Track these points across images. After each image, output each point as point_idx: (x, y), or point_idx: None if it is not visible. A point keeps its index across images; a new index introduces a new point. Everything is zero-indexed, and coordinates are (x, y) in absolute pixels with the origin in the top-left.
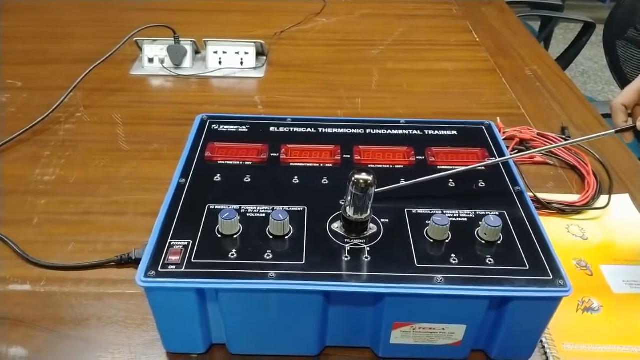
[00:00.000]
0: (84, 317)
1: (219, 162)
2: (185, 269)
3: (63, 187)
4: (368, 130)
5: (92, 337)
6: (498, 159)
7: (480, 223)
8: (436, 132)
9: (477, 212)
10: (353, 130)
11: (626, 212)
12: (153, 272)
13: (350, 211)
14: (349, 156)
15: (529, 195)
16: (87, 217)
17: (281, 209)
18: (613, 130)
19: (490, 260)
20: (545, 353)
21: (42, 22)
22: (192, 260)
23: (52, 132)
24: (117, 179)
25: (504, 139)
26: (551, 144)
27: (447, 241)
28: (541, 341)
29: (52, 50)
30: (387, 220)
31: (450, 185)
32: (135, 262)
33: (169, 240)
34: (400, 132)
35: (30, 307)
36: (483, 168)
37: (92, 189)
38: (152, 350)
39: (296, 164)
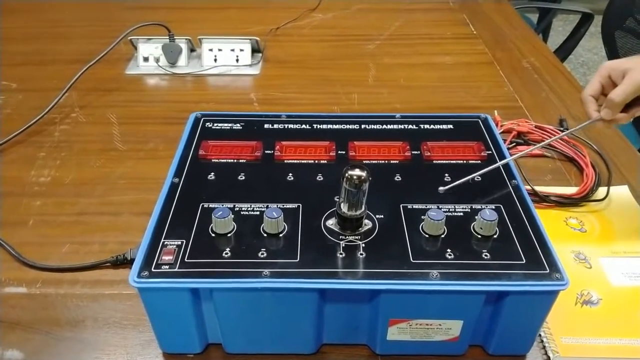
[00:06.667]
0: (80, 318)
1: (212, 160)
2: (178, 268)
3: (58, 188)
4: (363, 126)
5: (89, 339)
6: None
7: (476, 217)
8: (432, 126)
9: (473, 207)
10: (348, 126)
11: (625, 204)
12: (146, 273)
13: (344, 207)
14: (343, 152)
15: (526, 188)
16: (82, 218)
17: (275, 206)
18: (587, 122)
19: (486, 255)
20: (544, 347)
21: (36, 23)
22: (186, 260)
23: (48, 133)
24: (112, 179)
25: (501, 132)
26: (549, 137)
27: (442, 236)
28: (540, 335)
29: (47, 51)
30: (382, 216)
31: (446, 179)
32: (131, 263)
33: (162, 240)
34: (395, 127)
35: (26, 310)
36: (479, 162)
37: (87, 190)
38: (148, 350)
39: (290, 161)
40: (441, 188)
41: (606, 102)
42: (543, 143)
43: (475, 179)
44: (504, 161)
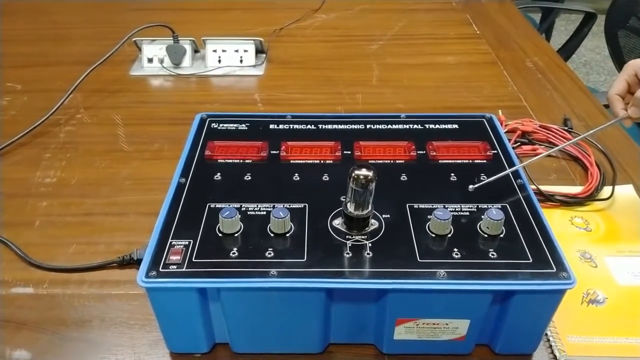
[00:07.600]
0: (86, 318)
1: (219, 160)
2: (186, 268)
3: (64, 189)
4: (368, 126)
5: (95, 339)
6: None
7: (482, 217)
8: (437, 126)
9: (479, 206)
10: (353, 126)
11: (630, 203)
12: (154, 273)
13: (351, 207)
14: (349, 152)
15: (531, 187)
16: (88, 219)
17: (282, 206)
18: (614, 120)
19: (493, 254)
20: (551, 346)
21: (41, 24)
22: (193, 260)
23: (53, 135)
24: (118, 179)
25: (505, 132)
26: (554, 136)
27: (449, 235)
28: (546, 334)
29: (51, 52)
30: (388, 216)
31: (451, 179)
32: (138, 263)
33: (169, 240)
34: (400, 127)
35: (33, 310)
36: (485, 161)
37: (93, 191)
38: (156, 350)
39: (296, 161)
40: (471, 186)
41: (634, 100)
42: (570, 142)
43: (482, 178)
44: (527, 161)
